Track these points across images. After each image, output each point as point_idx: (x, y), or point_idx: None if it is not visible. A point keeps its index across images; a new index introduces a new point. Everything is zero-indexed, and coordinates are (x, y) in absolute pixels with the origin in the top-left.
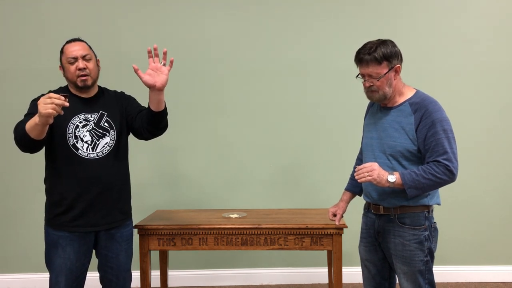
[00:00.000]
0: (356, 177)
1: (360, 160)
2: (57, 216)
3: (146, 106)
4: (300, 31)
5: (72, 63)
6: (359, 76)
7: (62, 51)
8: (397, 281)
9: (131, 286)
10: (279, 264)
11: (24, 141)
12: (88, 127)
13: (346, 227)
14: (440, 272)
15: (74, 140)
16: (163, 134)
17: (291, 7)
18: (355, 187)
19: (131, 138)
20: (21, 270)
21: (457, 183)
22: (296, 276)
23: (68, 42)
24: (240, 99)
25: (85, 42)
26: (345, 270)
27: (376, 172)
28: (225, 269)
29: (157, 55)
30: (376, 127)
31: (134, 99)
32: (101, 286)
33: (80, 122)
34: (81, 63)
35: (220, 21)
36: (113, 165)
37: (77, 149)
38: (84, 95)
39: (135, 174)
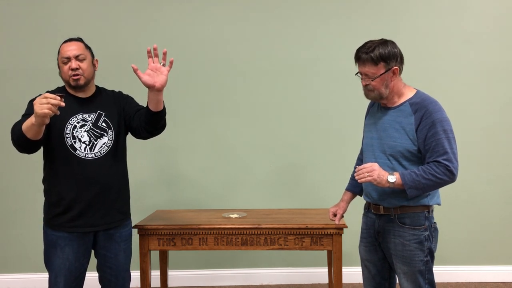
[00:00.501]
0: (356, 177)
1: (360, 160)
2: (55, 217)
3: (145, 105)
4: (300, 31)
5: (65, 63)
6: (358, 74)
7: (58, 51)
8: (397, 281)
9: (131, 286)
10: (279, 264)
11: (21, 142)
12: (86, 127)
13: (346, 227)
14: (440, 272)
15: (72, 141)
16: (164, 134)
17: (292, 7)
18: (355, 187)
19: (131, 137)
20: (21, 270)
21: (457, 183)
22: (296, 276)
23: (64, 42)
24: (240, 99)
25: (82, 42)
26: (345, 270)
27: (377, 172)
28: (225, 269)
29: (156, 55)
30: (377, 127)
31: (132, 99)
32: (100, 286)
33: (78, 123)
34: (73, 63)
35: (220, 21)
36: (111, 165)
37: (75, 149)
38: (81, 95)
39: (135, 174)
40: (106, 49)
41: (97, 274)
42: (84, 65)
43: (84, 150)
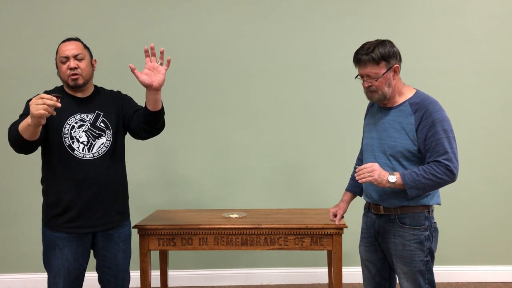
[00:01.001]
0: (357, 178)
1: (360, 160)
2: (54, 217)
3: (143, 105)
4: (300, 31)
5: (64, 63)
6: (358, 76)
7: (57, 51)
8: (397, 281)
9: (131, 286)
10: (279, 264)
11: (18, 142)
12: (84, 127)
13: (346, 227)
14: (440, 272)
15: (70, 141)
16: (163, 134)
17: (291, 7)
18: (355, 188)
19: (131, 138)
20: (21, 270)
21: (457, 183)
22: (296, 276)
23: (63, 41)
24: (240, 99)
25: (81, 41)
26: (345, 270)
27: (377, 172)
28: (225, 269)
29: (154, 54)
30: (376, 127)
31: (131, 99)
32: (100, 286)
33: (76, 123)
34: (72, 63)
35: (220, 21)
36: (110, 165)
37: (73, 149)
38: (79, 95)
39: (135, 174)
40: (105, 49)
41: (96, 274)
42: (83, 64)
43: (82, 151)
